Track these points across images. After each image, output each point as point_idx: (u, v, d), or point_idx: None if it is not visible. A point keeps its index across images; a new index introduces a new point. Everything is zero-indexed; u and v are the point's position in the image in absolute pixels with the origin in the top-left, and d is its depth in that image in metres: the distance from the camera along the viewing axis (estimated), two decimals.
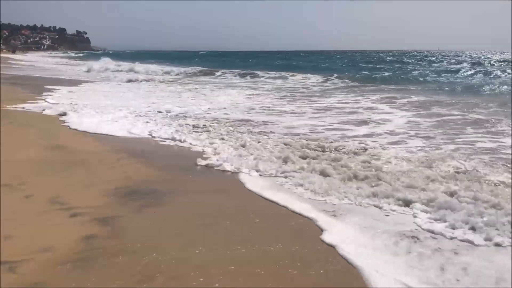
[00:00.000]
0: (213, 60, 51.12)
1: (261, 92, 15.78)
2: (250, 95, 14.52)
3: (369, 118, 9.33)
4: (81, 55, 79.77)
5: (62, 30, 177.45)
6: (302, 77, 23.82)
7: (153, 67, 30.71)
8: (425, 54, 63.64)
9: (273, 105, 11.81)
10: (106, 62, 31.82)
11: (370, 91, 15.74)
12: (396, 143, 6.79)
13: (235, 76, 26.04)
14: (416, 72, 27.25)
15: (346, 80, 21.37)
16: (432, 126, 8.36)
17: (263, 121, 8.83)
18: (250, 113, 10.08)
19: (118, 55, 66.24)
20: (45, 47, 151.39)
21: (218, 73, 27.39)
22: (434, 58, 50.10)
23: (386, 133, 7.69)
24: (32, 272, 2.61)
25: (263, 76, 24.90)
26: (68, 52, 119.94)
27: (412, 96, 13.56)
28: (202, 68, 31.35)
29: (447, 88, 17.06)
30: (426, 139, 7.03)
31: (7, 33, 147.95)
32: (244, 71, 27.62)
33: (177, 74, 27.23)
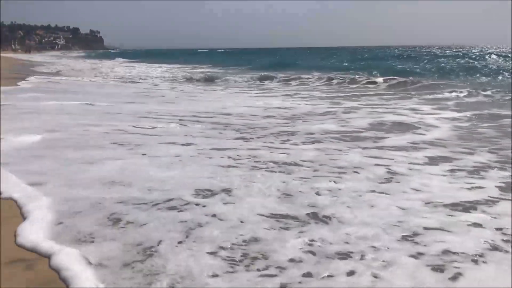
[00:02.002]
0: (243, 59, 42.63)
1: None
2: None
3: None
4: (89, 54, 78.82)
5: (76, 29, 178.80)
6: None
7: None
8: (457, 50, 58.55)
9: None
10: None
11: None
12: None
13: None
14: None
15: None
16: None
17: None
18: None
19: (136, 55, 65.96)
20: (59, 47, 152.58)
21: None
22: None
23: None
24: None
25: (334, 79, 19.26)
26: (82, 51, 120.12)
27: None
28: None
29: None
30: None
31: (22, 34, 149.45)
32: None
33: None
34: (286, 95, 14.04)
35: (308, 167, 4.82)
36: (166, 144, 5.81)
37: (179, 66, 36.62)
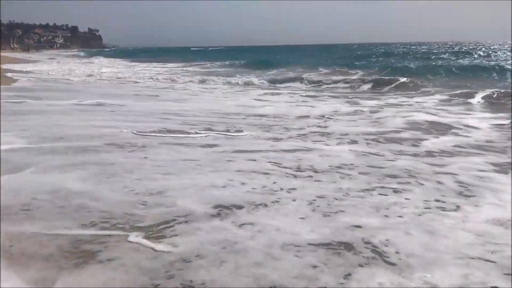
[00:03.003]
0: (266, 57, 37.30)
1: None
2: None
3: None
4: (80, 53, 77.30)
5: (74, 28, 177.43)
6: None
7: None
8: (457, 46, 57.31)
9: None
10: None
11: None
12: None
13: None
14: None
15: None
16: None
17: None
18: None
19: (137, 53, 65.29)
20: (58, 46, 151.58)
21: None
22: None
23: None
24: None
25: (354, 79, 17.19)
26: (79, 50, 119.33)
27: None
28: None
29: None
30: None
31: (20, 32, 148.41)
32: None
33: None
34: (307, 95, 13.63)
35: (349, 174, 4.44)
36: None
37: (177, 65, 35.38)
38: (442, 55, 32.06)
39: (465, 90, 12.66)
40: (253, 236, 2.95)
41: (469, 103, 10.94)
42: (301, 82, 17.56)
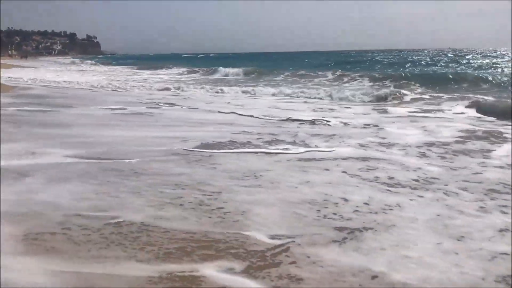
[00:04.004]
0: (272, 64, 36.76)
1: None
2: None
3: None
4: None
5: (73, 35, 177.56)
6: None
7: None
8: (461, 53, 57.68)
9: None
10: None
11: None
12: None
13: None
14: None
15: None
16: None
17: None
18: None
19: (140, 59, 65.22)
20: (56, 52, 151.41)
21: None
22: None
23: None
24: None
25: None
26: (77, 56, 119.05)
27: None
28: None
29: None
30: None
31: (18, 39, 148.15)
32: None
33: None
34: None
35: (449, 190, 4.08)
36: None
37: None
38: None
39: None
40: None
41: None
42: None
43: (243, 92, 15.53)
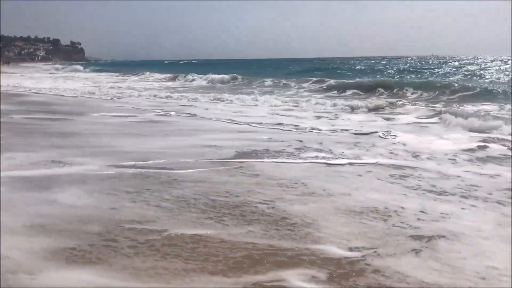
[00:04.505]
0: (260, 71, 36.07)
1: None
2: None
3: None
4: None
5: (56, 41, 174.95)
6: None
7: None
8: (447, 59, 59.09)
9: None
10: None
11: None
12: None
13: None
14: None
15: None
16: None
17: None
18: None
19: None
20: (39, 58, 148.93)
21: None
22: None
23: None
24: None
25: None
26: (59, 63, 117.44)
27: None
28: None
29: None
30: None
31: (0, 45, 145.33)
32: None
33: None
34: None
35: (496, 200, 4.09)
36: None
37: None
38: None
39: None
40: None
41: None
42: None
43: (239, 100, 14.93)
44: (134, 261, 2.75)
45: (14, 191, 4.05)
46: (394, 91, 17.15)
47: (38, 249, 2.87)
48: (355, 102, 12.89)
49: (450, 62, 50.12)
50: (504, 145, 6.87)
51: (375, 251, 2.92)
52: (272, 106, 13.14)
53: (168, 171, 4.91)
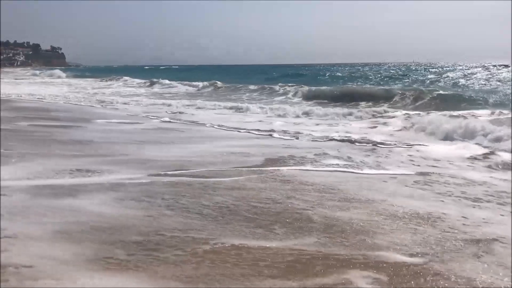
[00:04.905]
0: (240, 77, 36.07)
1: None
2: None
3: None
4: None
5: (36, 46, 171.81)
6: None
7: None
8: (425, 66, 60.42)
9: None
10: None
11: None
12: None
13: None
14: None
15: None
16: None
17: None
18: None
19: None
20: (18, 63, 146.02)
21: None
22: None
23: None
24: None
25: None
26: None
27: None
28: None
29: None
30: None
31: None
32: None
33: None
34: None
35: None
36: None
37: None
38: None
39: None
40: None
41: None
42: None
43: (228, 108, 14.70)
44: (183, 269, 2.70)
45: (48, 198, 3.95)
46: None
47: (72, 256, 2.80)
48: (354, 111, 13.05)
49: (431, 68, 51.36)
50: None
51: (437, 257, 2.95)
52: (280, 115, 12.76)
53: (201, 179, 4.86)
